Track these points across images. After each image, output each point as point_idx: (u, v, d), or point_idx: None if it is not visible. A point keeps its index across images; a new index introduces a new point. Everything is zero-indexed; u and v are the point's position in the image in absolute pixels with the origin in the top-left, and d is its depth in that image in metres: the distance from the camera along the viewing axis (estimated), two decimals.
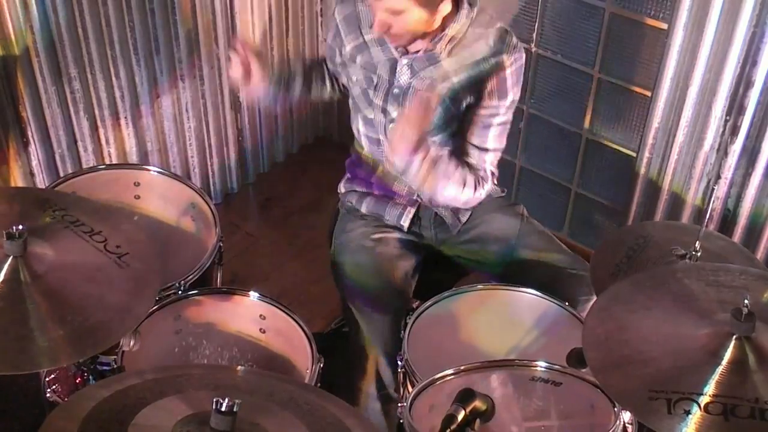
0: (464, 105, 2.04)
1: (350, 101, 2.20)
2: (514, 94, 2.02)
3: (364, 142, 2.20)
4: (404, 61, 2.02)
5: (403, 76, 2.03)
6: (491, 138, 2.06)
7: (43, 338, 1.45)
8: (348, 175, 2.30)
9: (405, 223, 2.20)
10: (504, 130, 2.07)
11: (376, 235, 2.18)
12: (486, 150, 2.06)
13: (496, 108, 2.02)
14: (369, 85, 2.08)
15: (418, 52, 2.01)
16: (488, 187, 2.08)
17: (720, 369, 1.38)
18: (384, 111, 2.09)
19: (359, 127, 2.18)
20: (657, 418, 1.33)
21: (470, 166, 2.05)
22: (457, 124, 2.07)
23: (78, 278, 1.60)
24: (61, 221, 1.72)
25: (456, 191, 2.01)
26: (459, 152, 2.06)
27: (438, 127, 2.05)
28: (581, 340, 1.52)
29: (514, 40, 2.01)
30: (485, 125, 2.04)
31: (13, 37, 2.45)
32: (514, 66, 2.00)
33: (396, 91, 2.05)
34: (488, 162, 2.08)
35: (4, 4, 2.38)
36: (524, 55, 2.03)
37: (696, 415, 1.32)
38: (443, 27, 1.96)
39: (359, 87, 2.10)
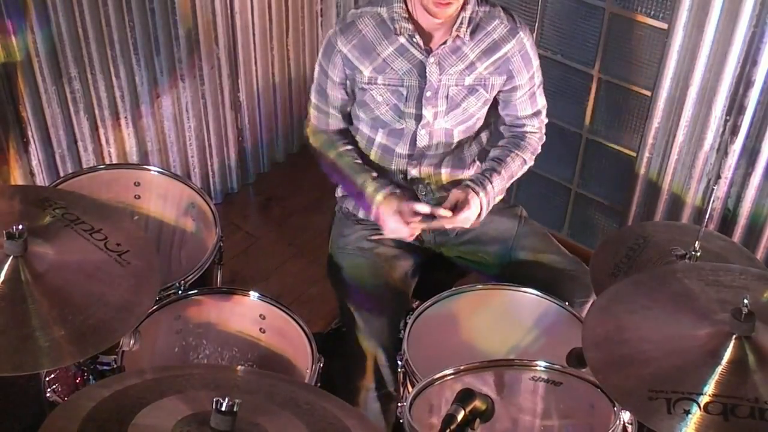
0: (497, 88, 2.11)
1: (363, 120, 2.17)
2: (536, 58, 2.13)
3: (375, 151, 2.19)
4: (431, 59, 2.03)
5: (433, 76, 2.05)
6: (538, 100, 2.18)
7: (44, 338, 1.45)
8: None
9: None
10: (542, 86, 2.19)
11: (374, 237, 2.18)
12: (539, 112, 2.19)
13: (530, 78, 2.12)
14: (399, 100, 2.08)
15: (444, 44, 2.02)
16: (544, 137, 2.24)
17: (720, 369, 1.38)
18: (417, 117, 2.10)
19: (378, 138, 2.17)
20: (657, 417, 1.33)
21: (525, 138, 2.19)
22: (492, 109, 2.18)
23: (79, 277, 1.60)
24: (62, 219, 1.72)
25: (525, 169, 2.22)
26: (508, 128, 2.22)
27: (476, 116, 2.13)
28: (581, 340, 1.52)
29: (517, 17, 2.11)
30: (529, 95, 2.15)
31: (13, 37, 2.45)
32: (530, 39, 2.10)
33: (428, 93, 2.07)
34: (543, 119, 2.21)
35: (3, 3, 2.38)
36: None
37: (696, 414, 1.32)
38: (458, 12, 1.99)
39: (386, 105, 2.09)
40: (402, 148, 2.16)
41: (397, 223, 2.02)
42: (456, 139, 2.16)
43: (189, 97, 3.02)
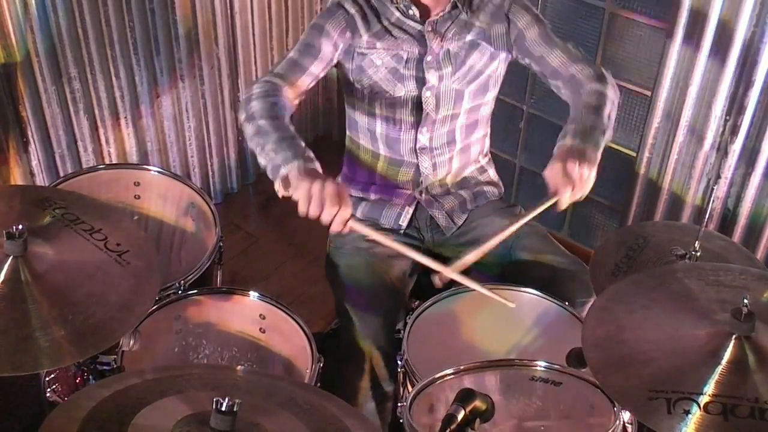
0: (500, 41, 2.08)
1: (360, 100, 2.14)
2: (532, 6, 2.09)
3: (381, 144, 2.18)
4: (428, 28, 2.04)
5: (434, 42, 2.05)
6: (556, 40, 2.07)
7: (44, 338, 1.45)
8: (341, 180, 2.30)
9: (403, 223, 2.20)
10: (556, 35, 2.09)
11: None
12: (577, 57, 2.06)
13: (534, 20, 2.06)
14: (398, 62, 2.07)
15: (439, 15, 2.03)
16: (601, 69, 2.06)
17: (720, 369, 1.38)
18: (419, 80, 2.09)
19: (378, 128, 2.16)
20: (657, 417, 1.33)
21: (578, 81, 2.04)
22: (504, 68, 2.13)
23: (79, 277, 1.60)
24: (61, 220, 1.72)
25: (612, 100, 2.01)
26: (575, 90, 2.06)
27: (486, 73, 2.10)
28: (581, 341, 1.52)
29: None
30: (545, 35, 2.06)
31: (13, 37, 2.45)
32: None
33: (429, 58, 2.06)
34: (582, 58, 2.06)
35: (3, 4, 2.38)
36: None
37: (695, 414, 1.32)
38: None
39: (385, 68, 2.08)
40: (407, 115, 2.12)
41: (334, 192, 1.78)
42: (469, 101, 2.14)
43: (189, 97, 3.02)
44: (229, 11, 3.00)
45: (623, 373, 1.42)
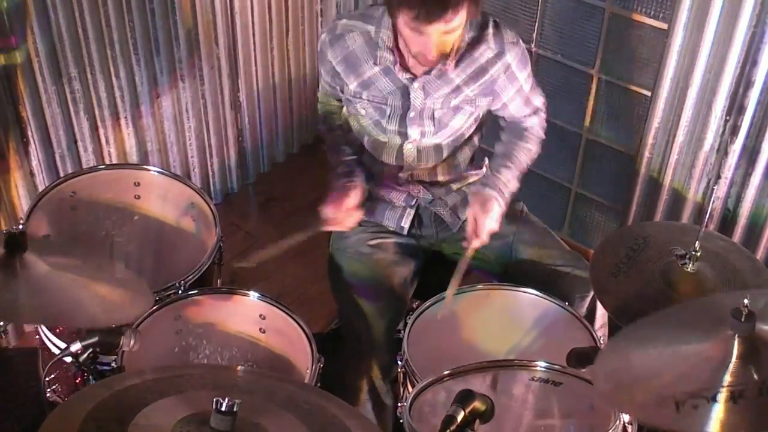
0: (485, 106, 2.11)
1: (355, 125, 2.20)
2: (524, 69, 2.09)
3: (367, 152, 2.21)
4: (415, 85, 2.02)
5: (417, 100, 2.04)
6: (533, 101, 2.16)
7: None
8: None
9: (405, 225, 2.20)
10: (536, 87, 2.17)
11: (374, 241, 2.17)
12: (537, 110, 2.19)
13: (518, 91, 2.11)
14: (381, 116, 2.08)
15: (430, 72, 2.00)
16: (545, 124, 2.23)
17: (724, 369, 1.37)
18: (400, 134, 2.11)
19: (365, 144, 2.19)
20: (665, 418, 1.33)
21: (527, 130, 2.19)
22: (482, 123, 2.18)
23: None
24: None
25: (533, 157, 2.21)
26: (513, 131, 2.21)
27: (464, 128, 2.12)
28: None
29: (508, 32, 2.05)
30: (523, 102, 2.14)
31: (13, 37, 2.45)
32: (516, 56, 2.05)
33: (412, 114, 2.06)
34: (542, 115, 2.21)
35: (3, 3, 2.38)
36: (521, 40, 2.07)
37: (705, 407, 1.31)
38: None
39: (369, 119, 2.11)
40: (389, 159, 2.17)
41: (337, 214, 2.05)
42: (446, 151, 2.16)
43: (189, 97, 3.02)
44: (229, 11, 3.00)
45: (633, 395, 1.41)
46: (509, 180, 2.12)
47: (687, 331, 1.48)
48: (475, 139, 2.22)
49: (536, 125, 2.20)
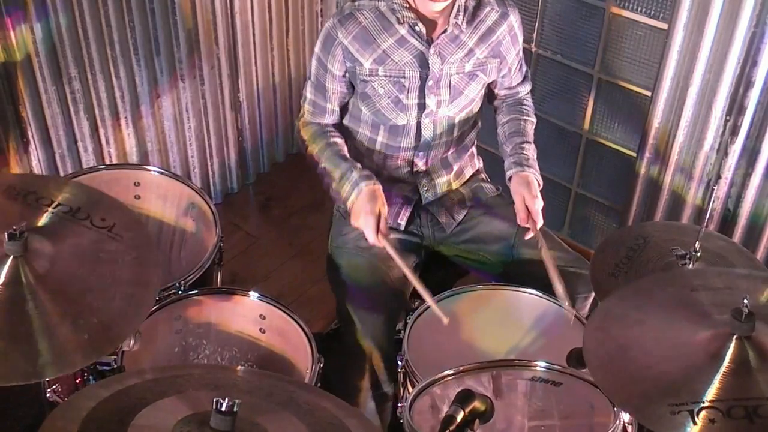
0: (494, 72, 2.17)
1: (364, 121, 2.17)
2: (521, 35, 2.20)
3: (379, 150, 2.19)
4: (432, 50, 2.05)
5: (435, 66, 2.07)
6: (523, 67, 2.27)
7: (49, 343, 1.44)
8: None
9: (402, 221, 2.20)
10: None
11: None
12: (526, 77, 2.30)
13: (517, 54, 2.21)
14: (401, 91, 2.09)
15: (444, 32, 2.05)
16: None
17: (722, 370, 1.37)
18: (420, 106, 2.11)
19: (379, 138, 2.18)
20: (660, 420, 1.33)
21: (523, 102, 2.29)
22: (487, 89, 2.24)
23: (79, 268, 1.58)
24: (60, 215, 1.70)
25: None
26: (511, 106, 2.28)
27: (475, 100, 2.19)
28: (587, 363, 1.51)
29: None
30: (518, 67, 2.24)
31: (13, 37, 2.45)
32: (518, 20, 2.17)
33: (431, 83, 2.09)
34: (529, 81, 2.31)
35: (3, 4, 2.38)
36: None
37: (701, 417, 1.32)
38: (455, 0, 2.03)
39: (387, 98, 2.10)
40: (407, 142, 2.17)
41: (369, 222, 1.98)
42: (458, 127, 2.19)
43: (189, 98, 3.02)
44: (229, 11, 3.00)
45: (633, 390, 1.41)
46: (533, 154, 2.19)
47: (683, 322, 1.49)
48: (478, 121, 2.27)
49: (528, 93, 2.31)
